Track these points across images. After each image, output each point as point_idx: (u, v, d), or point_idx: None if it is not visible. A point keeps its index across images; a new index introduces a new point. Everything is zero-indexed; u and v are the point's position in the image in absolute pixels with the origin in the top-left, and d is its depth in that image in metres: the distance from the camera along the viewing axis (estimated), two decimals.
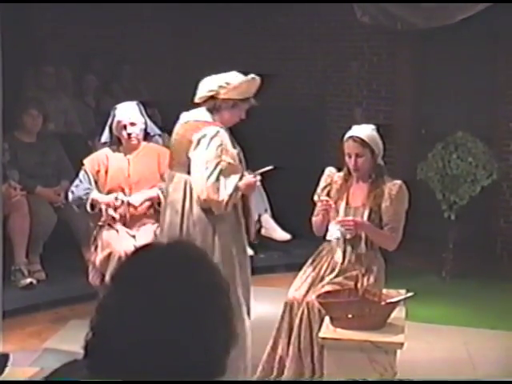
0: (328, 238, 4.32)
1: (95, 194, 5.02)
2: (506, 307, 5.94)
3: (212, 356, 1.40)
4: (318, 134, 7.89)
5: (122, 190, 5.06)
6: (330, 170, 4.47)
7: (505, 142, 7.28)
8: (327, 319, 3.95)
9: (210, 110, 4.13)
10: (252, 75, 4.12)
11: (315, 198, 4.43)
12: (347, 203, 4.32)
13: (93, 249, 5.04)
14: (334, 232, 4.27)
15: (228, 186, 4.00)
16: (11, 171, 6.03)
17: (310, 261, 4.44)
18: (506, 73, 7.23)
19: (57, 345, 5.07)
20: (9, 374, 4.26)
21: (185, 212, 4.11)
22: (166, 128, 7.12)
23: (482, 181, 6.60)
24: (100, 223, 5.05)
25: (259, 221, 6.56)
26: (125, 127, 5.03)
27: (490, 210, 7.35)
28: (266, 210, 6.79)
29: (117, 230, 5.00)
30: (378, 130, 4.38)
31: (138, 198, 5.04)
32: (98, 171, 5.09)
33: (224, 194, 3.99)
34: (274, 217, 6.82)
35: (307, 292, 4.22)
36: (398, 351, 3.82)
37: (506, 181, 7.20)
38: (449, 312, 5.95)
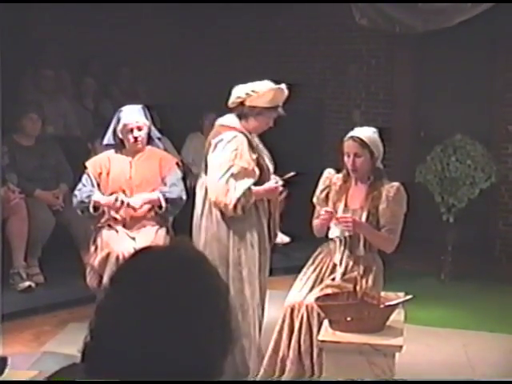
0: (330, 236, 4.34)
1: (97, 196, 5.03)
2: (505, 310, 5.94)
3: (209, 360, 1.40)
4: (317, 136, 7.90)
5: (123, 192, 5.07)
6: (328, 172, 4.48)
7: (503, 144, 7.29)
8: (326, 322, 3.95)
9: (239, 116, 4.27)
10: (279, 85, 4.23)
11: (314, 200, 4.45)
12: (346, 205, 4.33)
13: (92, 250, 5.05)
14: (334, 230, 4.30)
15: (238, 189, 4.11)
16: (10, 174, 6.03)
17: (309, 263, 4.44)
18: (505, 76, 7.24)
19: (56, 348, 5.06)
20: (7, 377, 4.25)
21: (204, 212, 4.31)
22: (164, 131, 7.17)
23: (480, 183, 6.60)
24: (100, 224, 5.05)
25: None
26: (131, 130, 5.04)
27: (489, 213, 7.36)
28: None
29: (116, 231, 5.00)
30: (380, 134, 4.38)
31: (138, 199, 5.04)
32: (100, 173, 5.10)
33: (232, 197, 4.10)
34: None
35: (307, 295, 4.23)
36: (397, 354, 3.82)
37: (505, 184, 7.21)
38: (448, 315, 5.95)
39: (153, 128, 5.25)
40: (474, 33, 6.95)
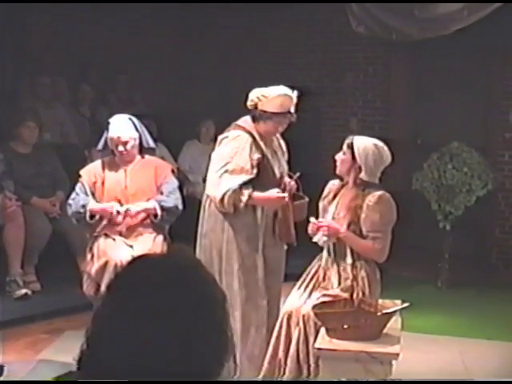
0: (314, 240, 4.36)
1: (92, 205, 5.02)
2: (502, 317, 5.94)
3: (205, 367, 1.40)
4: (314, 144, 7.91)
5: (119, 202, 5.06)
6: (332, 183, 4.48)
7: (500, 152, 7.30)
8: (323, 330, 3.94)
9: (253, 118, 4.41)
10: (287, 92, 4.35)
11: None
12: (333, 213, 4.34)
13: (89, 258, 5.04)
14: (316, 236, 4.30)
15: (226, 184, 4.23)
16: (6, 182, 6.03)
17: (307, 270, 4.44)
18: (501, 83, 7.26)
19: (52, 356, 5.05)
20: None
21: (206, 206, 4.50)
22: (161, 138, 7.18)
23: (477, 191, 6.61)
24: (96, 233, 5.05)
25: None
26: (116, 145, 5.04)
27: (486, 221, 7.36)
28: None
29: (113, 239, 4.99)
30: (390, 148, 4.32)
31: (133, 208, 5.03)
32: (95, 182, 5.09)
33: (218, 192, 4.27)
34: None
35: (304, 302, 4.22)
36: (394, 362, 3.82)
37: (501, 191, 7.21)
38: (445, 322, 5.95)
39: (145, 137, 5.21)
40: (470, 41, 6.96)
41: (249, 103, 4.41)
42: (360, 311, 3.98)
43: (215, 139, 7.37)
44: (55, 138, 7.13)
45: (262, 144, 4.41)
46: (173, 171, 5.36)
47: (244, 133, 4.38)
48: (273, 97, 4.32)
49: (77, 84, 7.67)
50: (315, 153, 7.84)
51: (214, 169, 4.36)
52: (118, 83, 7.99)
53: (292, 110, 4.38)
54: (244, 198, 4.25)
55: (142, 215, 5.07)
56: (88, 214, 4.99)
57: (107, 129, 5.07)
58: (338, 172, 4.38)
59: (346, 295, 4.15)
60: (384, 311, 3.91)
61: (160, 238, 5.11)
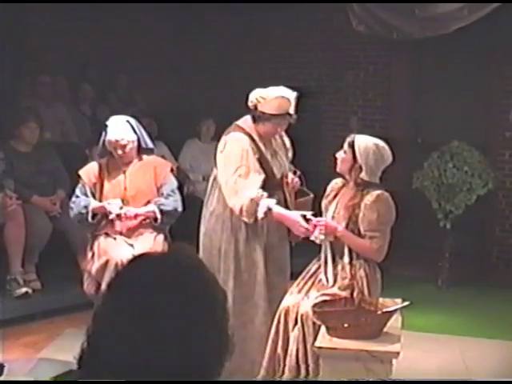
0: (311, 238, 4.35)
1: (94, 204, 5.02)
2: (503, 316, 5.95)
3: (205, 366, 1.40)
4: (314, 142, 7.90)
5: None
6: (335, 182, 4.48)
7: (500, 151, 7.30)
8: (323, 329, 3.94)
9: (253, 119, 4.43)
10: (284, 94, 4.35)
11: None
12: (333, 212, 4.33)
13: (89, 256, 5.04)
14: (315, 234, 4.30)
15: (243, 194, 4.23)
16: (7, 180, 6.02)
17: (307, 269, 4.43)
18: (501, 82, 7.26)
19: (52, 354, 5.05)
20: None
21: (208, 205, 4.54)
22: (162, 137, 7.18)
23: (477, 190, 6.61)
24: (97, 232, 5.05)
25: None
26: (114, 148, 5.03)
27: (486, 219, 7.36)
28: None
29: (114, 238, 4.99)
30: (390, 149, 4.32)
31: (133, 212, 5.04)
32: (95, 183, 5.09)
33: (237, 203, 4.26)
34: None
35: (302, 299, 4.21)
36: (394, 360, 3.82)
37: (502, 190, 7.21)
38: (445, 321, 5.95)
39: (144, 138, 5.19)
40: (471, 39, 6.96)
41: (249, 104, 4.42)
42: (360, 310, 3.98)
43: (216, 138, 7.44)
44: (56, 137, 7.13)
45: (261, 145, 4.42)
46: (172, 170, 5.34)
47: (243, 135, 4.38)
48: (271, 98, 4.32)
49: (77, 83, 7.67)
50: (315, 151, 7.83)
51: (226, 175, 4.31)
52: (118, 82, 7.99)
53: (291, 111, 4.37)
54: (261, 211, 4.21)
55: (142, 217, 5.07)
56: (90, 215, 4.99)
57: (105, 131, 5.06)
58: (338, 170, 4.37)
59: (344, 294, 4.15)
60: (384, 310, 3.91)
61: (161, 237, 5.11)
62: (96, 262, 4.92)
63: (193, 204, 5.58)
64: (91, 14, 7.49)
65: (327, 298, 4.13)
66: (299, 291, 4.30)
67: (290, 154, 4.73)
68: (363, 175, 4.22)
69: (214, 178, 4.50)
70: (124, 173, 5.12)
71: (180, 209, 5.15)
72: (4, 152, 6.11)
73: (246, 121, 4.46)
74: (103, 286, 4.61)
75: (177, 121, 7.57)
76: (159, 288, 1.39)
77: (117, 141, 5.01)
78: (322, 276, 4.34)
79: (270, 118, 4.35)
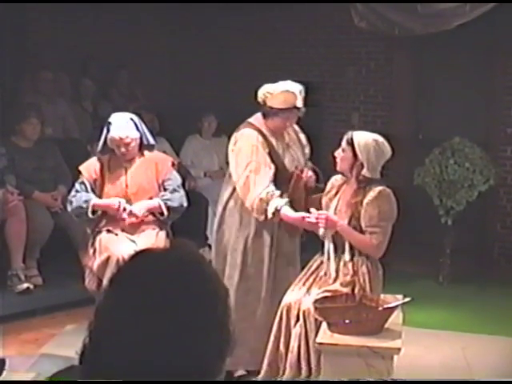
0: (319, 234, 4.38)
1: (96, 200, 5.01)
2: (504, 312, 5.94)
3: (206, 362, 1.40)
4: (315, 139, 7.88)
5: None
6: (335, 179, 4.48)
7: (502, 147, 7.29)
8: (324, 325, 3.94)
9: (263, 114, 4.52)
10: (288, 87, 4.45)
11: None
12: (335, 208, 4.33)
13: (91, 253, 5.03)
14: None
15: (253, 191, 4.32)
16: (8, 176, 6.03)
17: (308, 265, 4.43)
18: (503, 78, 7.25)
19: (53, 350, 5.06)
20: (5, 379, 4.24)
21: (222, 198, 4.65)
22: (163, 133, 7.18)
23: (478, 186, 6.61)
24: (98, 229, 5.04)
25: None
26: (118, 146, 5.03)
27: (487, 216, 7.36)
28: None
29: (116, 234, 4.99)
30: (389, 142, 4.32)
31: (139, 207, 5.03)
32: (96, 179, 5.08)
33: (248, 200, 4.35)
34: None
35: (304, 295, 4.22)
36: (395, 356, 3.82)
37: (503, 186, 7.21)
38: (446, 317, 5.95)
39: (146, 136, 5.17)
40: (472, 35, 6.96)
41: (258, 100, 4.51)
42: (362, 306, 3.98)
43: (217, 134, 7.47)
44: (57, 133, 7.14)
45: (271, 139, 4.51)
46: (173, 164, 5.33)
47: (253, 130, 4.48)
48: (277, 93, 4.43)
49: (79, 79, 7.67)
50: (316, 148, 7.81)
51: (238, 172, 4.42)
52: (119, 78, 7.98)
53: (298, 104, 4.45)
54: (270, 211, 4.30)
55: (146, 213, 5.06)
56: (90, 210, 4.97)
57: (108, 129, 5.04)
58: (338, 169, 4.37)
59: (345, 290, 4.15)
60: (385, 306, 3.92)
61: (163, 233, 5.11)
62: (97, 259, 4.92)
63: (194, 200, 5.59)
64: (92, 10, 7.49)
65: (328, 294, 4.14)
66: (301, 288, 4.30)
67: (307, 151, 4.80)
68: (365, 172, 4.21)
69: (229, 175, 4.59)
70: (125, 170, 5.11)
71: (185, 204, 5.15)
72: (5, 148, 6.12)
73: (256, 117, 4.55)
74: (105, 282, 4.60)
75: (178, 117, 7.57)
76: (161, 284, 1.39)
77: (121, 138, 5.00)
78: (323, 272, 4.34)
79: (278, 113, 4.45)
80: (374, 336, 3.83)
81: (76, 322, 5.38)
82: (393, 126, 7.60)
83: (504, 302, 6.18)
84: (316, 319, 4.03)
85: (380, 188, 4.19)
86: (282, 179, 4.46)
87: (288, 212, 4.32)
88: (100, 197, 5.05)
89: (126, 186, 5.09)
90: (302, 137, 4.79)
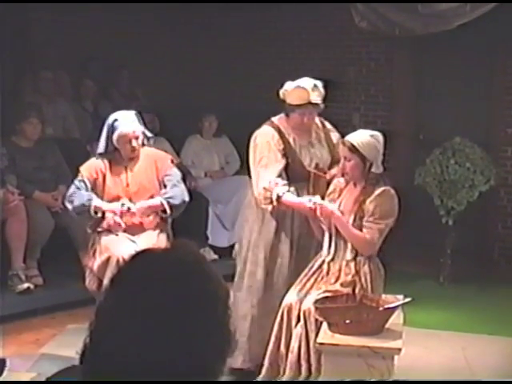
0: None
1: (97, 202, 5.00)
2: (504, 313, 5.94)
3: (207, 362, 1.40)
4: None
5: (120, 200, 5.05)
6: (338, 180, 4.47)
7: (502, 147, 7.29)
8: (325, 325, 3.94)
9: (285, 112, 4.64)
10: (299, 84, 4.57)
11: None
12: (339, 208, 4.32)
13: (91, 254, 5.03)
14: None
15: (260, 182, 4.44)
16: (9, 176, 6.03)
17: (309, 265, 4.43)
18: (504, 78, 7.25)
19: (54, 350, 5.06)
20: (6, 379, 4.25)
21: (247, 197, 4.79)
22: (164, 133, 7.18)
23: (479, 186, 6.60)
24: (99, 229, 5.03)
25: None
26: (129, 141, 5.02)
27: (488, 216, 7.36)
28: None
29: (116, 235, 4.99)
30: (385, 137, 4.33)
31: (142, 206, 5.02)
32: (96, 179, 5.07)
33: (256, 191, 4.49)
34: None
35: (305, 296, 4.22)
36: (396, 357, 3.82)
37: (504, 186, 7.20)
38: (447, 317, 5.95)
39: (145, 132, 5.20)
40: (473, 36, 6.95)
41: (281, 98, 4.63)
42: (362, 306, 3.98)
43: (218, 134, 7.48)
44: (58, 133, 7.14)
45: (289, 136, 4.60)
46: (172, 161, 5.32)
47: (270, 128, 4.60)
48: (291, 90, 4.55)
49: (79, 79, 7.67)
50: None
51: (252, 167, 4.56)
52: (120, 78, 7.98)
53: (313, 100, 4.56)
54: (273, 198, 4.35)
55: (149, 212, 5.06)
56: (92, 209, 4.97)
57: (113, 127, 5.02)
58: (351, 180, 4.33)
59: (346, 290, 4.15)
60: (386, 306, 3.91)
61: (164, 234, 5.11)
62: (98, 259, 4.92)
63: (194, 200, 5.59)
64: (92, 10, 7.49)
65: (329, 294, 4.14)
66: (302, 288, 4.30)
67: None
68: (374, 169, 4.25)
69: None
70: (125, 169, 5.11)
71: (187, 198, 5.15)
72: (6, 148, 6.12)
73: (280, 116, 4.68)
74: (105, 283, 4.60)
75: (179, 117, 7.57)
76: (161, 284, 1.39)
77: (133, 132, 5.01)
78: (324, 272, 4.34)
79: (294, 109, 4.57)
80: (375, 336, 3.83)
81: (76, 322, 5.38)
82: (393, 126, 7.59)
83: (504, 302, 6.18)
84: (317, 319, 4.03)
85: (384, 188, 4.21)
86: (298, 176, 4.53)
87: (289, 197, 4.37)
88: (101, 196, 5.05)
89: (127, 184, 5.09)
90: (333, 136, 4.82)
